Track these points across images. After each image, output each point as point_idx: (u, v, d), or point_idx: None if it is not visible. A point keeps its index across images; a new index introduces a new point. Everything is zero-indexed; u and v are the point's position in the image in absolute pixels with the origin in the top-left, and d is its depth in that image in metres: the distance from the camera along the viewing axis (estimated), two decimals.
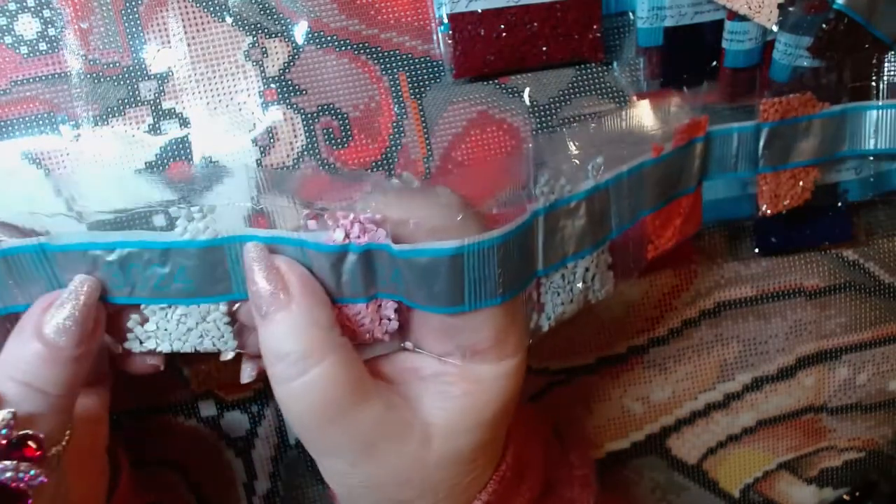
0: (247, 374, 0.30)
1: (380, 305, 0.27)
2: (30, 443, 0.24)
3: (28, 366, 0.24)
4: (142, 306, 0.27)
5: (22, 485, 0.24)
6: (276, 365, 0.25)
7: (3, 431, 0.23)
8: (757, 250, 0.40)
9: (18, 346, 0.24)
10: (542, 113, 0.37)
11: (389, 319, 0.27)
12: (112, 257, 0.26)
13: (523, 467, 0.30)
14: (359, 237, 0.25)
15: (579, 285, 0.29)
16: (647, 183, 0.31)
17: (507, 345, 0.27)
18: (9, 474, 0.24)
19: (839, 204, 0.38)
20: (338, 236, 0.25)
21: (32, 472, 0.24)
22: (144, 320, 0.27)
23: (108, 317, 0.27)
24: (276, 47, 0.35)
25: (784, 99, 0.35)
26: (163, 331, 0.27)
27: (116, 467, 0.32)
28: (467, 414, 0.26)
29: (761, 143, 0.35)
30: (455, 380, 0.27)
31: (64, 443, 0.25)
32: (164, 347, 0.27)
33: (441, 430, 0.26)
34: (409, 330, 0.28)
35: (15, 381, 0.24)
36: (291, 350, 0.24)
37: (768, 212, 0.36)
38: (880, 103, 0.37)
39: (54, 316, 0.24)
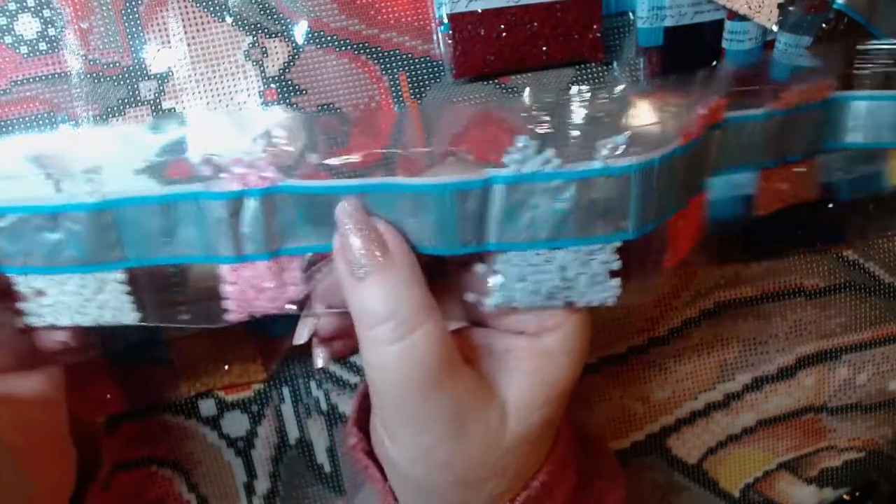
0: (320, 360, 0.29)
1: (283, 268, 0.26)
2: None
3: None
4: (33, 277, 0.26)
5: None
6: (375, 328, 0.23)
7: None
8: (749, 252, 0.40)
9: None
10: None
11: (295, 285, 0.26)
12: (2, 224, 0.25)
13: (571, 450, 0.30)
14: (257, 183, 0.24)
15: (548, 278, 0.25)
16: (676, 176, 0.27)
17: (570, 318, 0.26)
18: None
19: (830, 204, 0.39)
20: (234, 185, 0.24)
21: None
22: (41, 293, 0.26)
23: (3, 291, 0.26)
24: (276, 47, 0.35)
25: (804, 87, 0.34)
26: (61, 303, 0.26)
27: (97, 461, 0.32)
28: (539, 389, 0.26)
29: (765, 135, 0.34)
30: (525, 355, 0.26)
31: None
32: (65, 321, 0.26)
33: (515, 408, 0.25)
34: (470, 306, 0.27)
35: None
36: (393, 311, 0.23)
37: (762, 212, 0.36)
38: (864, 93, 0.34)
39: None
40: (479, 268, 0.25)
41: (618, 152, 0.24)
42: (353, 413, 0.31)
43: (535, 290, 0.25)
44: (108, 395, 0.36)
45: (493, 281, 0.25)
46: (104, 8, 0.33)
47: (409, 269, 0.24)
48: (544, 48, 0.35)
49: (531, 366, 0.26)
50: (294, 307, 0.26)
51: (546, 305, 0.25)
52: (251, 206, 0.24)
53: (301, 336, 0.28)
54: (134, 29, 0.34)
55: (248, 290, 0.26)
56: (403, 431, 0.25)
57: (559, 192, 0.24)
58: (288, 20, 0.35)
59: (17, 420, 0.26)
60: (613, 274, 0.25)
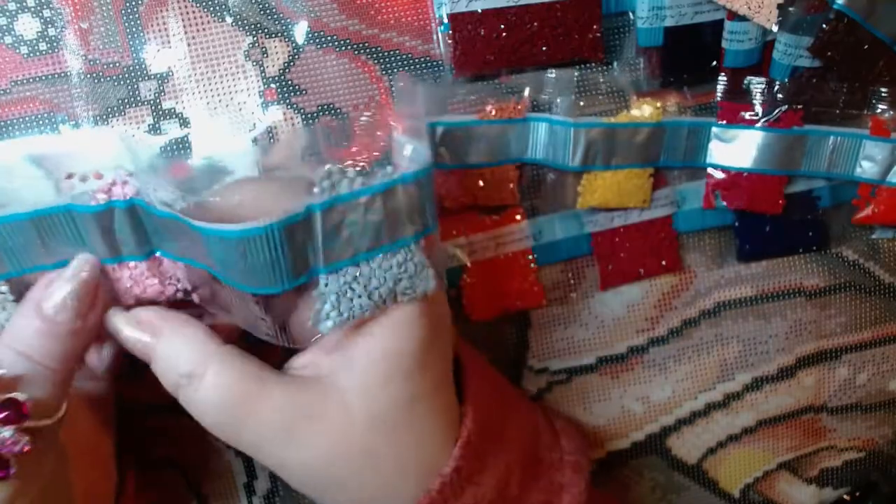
0: None
1: (161, 263, 0.28)
2: (13, 406, 0.24)
3: (27, 337, 0.25)
4: None
5: (4, 450, 0.24)
6: (176, 389, 0.27)
7: None
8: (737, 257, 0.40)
9: (21, 317, 0.26)
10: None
11: (178, 280, 0.28)
12: None
13: (495, 438, 0.30)
14: (121, 195, 0.26)
15: (376, 284, 0.26)
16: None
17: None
18: None
19: (812, 211, 0.39)
20: (101, 195, 0.26)
21: (13, 437, 0.24)
22: None
23: None
24: (276, 47, 0.35)
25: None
26: None
27: (123, 474, 0.32)
28: (374, 367, 0.26)
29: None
30: (352, 341, 0.27)
31: (58, 417, 0.26)
32: None
33: (356, 392, 0.26)
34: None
35: (13, 349, 0.25)
36: (177, 376, 0.26)
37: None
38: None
39: (54, 292, 0.26)
40: (311, 300, 0.26)
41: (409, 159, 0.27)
42: None
43: (365, 302, 0.26)
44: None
45: (322, 307, 0.26)
46: (104, 8, 0.33)
47: (178, 336, 0.27)
48: (544, 48, 0.35)
49: (359, 348, 0.27)
50: (182, 296, 0.28)
51: (379, 310, 0.26)
52: (118, 215, 0.27)
53: None
54: (134, 29, 0.34)
55: (132, 285, 0.28)
56: (259, 459, 0.27)
57: (370, 206, 0.25)
58: (288, 20, 0.35)
59: (75, 429, 0.28)
60: (426, 266, 0.27)
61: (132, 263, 0.28)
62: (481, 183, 0.37)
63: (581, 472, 0.32)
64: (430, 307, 0.27)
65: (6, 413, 0.24)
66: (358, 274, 0.26)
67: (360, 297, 0.26)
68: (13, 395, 0.24)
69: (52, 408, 0.26)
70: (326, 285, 0.26)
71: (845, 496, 0.44)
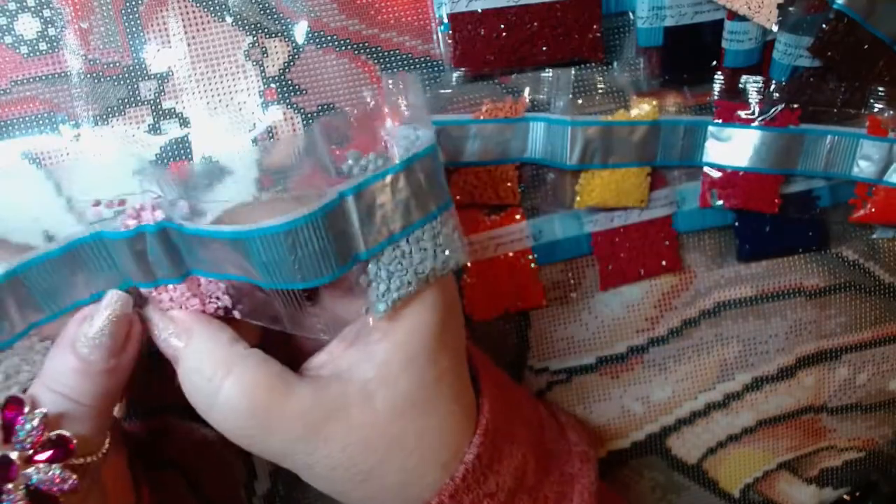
0: None
1: (199, 283, 0.27)
2: (61, 444, 0.24)
3: (63, 377, 0.25)
4: None
5: (54, 488, 0.24)
6: (197, 397, 0.26)
7: (34, 431, 0.24)
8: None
9: (56, 357, 0.26)
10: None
11: (218, 298, 0.27)
12: None
13: (508, 429, 0.30)
14: (150, 220, 0.26)
15: (416, 260, 0.27)
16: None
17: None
18: (39, 476, 0.24)
19: (812, 211, 0.39)
20: (130, 221, 0.26)
21: (62, 475, 0.24)
22: None
23: None
24: (276, 47, 0.35)
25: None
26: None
27: (138, 484, 0.32)
28: (394, 353, 0.26)
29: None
30: (371, 330, 0.27)
31: (102, 452, 0.26)
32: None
33: (377, 381, 0.26)
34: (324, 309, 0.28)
35: (51, 390, 0.25)
36: (202, 377, 0.26)
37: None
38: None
39: (86, 331, 0.26)
40: (362, 282, 0.26)
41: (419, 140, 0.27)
42: None
43: (412, 278, 0.26)
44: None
45: (374, 291, 0.26)
46: (104, 8, 0.33)
47: (200, 341, 0.26)
48: (544, 48, 0.36)
49: (377, 335, 0.27)
50: (223, 313, 0.28)
51: (419, 286, 0.27)
52: (150, 239, 0.26)
53: None
54: (134, 29, 0.34)
55: (172, 307, 0.27)
56: (284, 463, 0.27)
57: (395, 185, 0.26)
58: (288, 20, 0.35)
59: (111, 449, 0.27)
60: (454, 230, 0.28)
61: (171, 286, 0.27)
62: (480, 181, 0.37)
63: (590, 462, 0.32)
64: (444, 288, 0.28)
65: (53, 451, 0.24)
66: (400, 253, 0.26)
67: (406, 274, 0.26)
68: (60, 432, 0.25)
69: (96, 444, 0.26)
70: (376, 269, 0.26)
71: (845, 496, 0.44)
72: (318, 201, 0.24)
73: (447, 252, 0.27)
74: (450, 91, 0.36)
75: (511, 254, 0.38)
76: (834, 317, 0.41)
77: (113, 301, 0.26)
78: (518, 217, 0.38)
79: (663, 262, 0.39)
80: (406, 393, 0.27)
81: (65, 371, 0.25)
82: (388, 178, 0.26)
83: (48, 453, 0.24)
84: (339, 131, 0.31)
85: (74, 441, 0.25)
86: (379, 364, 0.26)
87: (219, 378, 0.26)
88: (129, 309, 0.26)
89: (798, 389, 0.42)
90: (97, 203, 0.27)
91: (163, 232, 0.26)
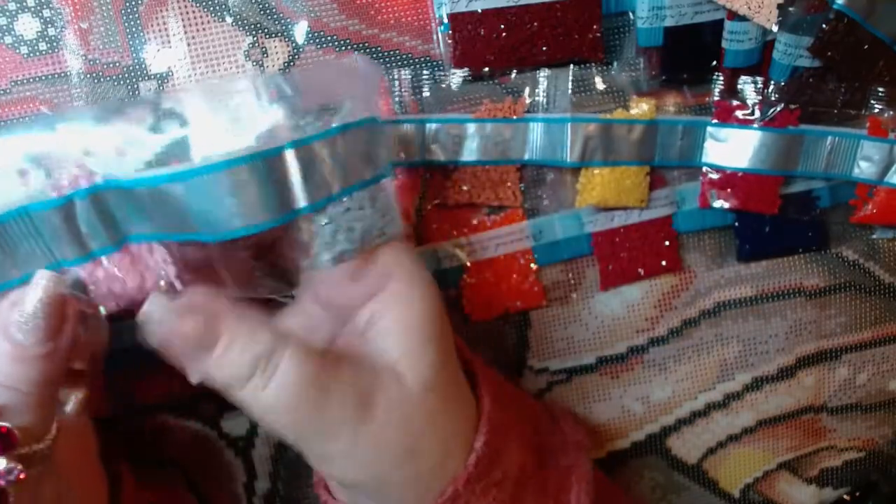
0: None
1: (137, 254, 0.26)
2: (2, 437, 0.23)
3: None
4: None
5: (0, 481, 0.23)
6: (246, 387, 0.25)
7: None
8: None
9: None
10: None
11: (162, 268, 0.26)
12: None
13: (507, 421, 0.30)
14: (79, 185, 0.25)
15: (358, 216, 0.27)
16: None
17: (393, 269, 0.27)
18: None
19: (812, 212, 0.39)
20: (63, 190, 0.25)
21: (7, 467, 0.23)
22: None
23: None
24: (276, 47, 0.35)
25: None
26: None
27: (117, 477, 0.32)
28: (410, 335, 0.27)
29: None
30: (379, 319, 0.27)
31: (49, 439, 0.25)
32: None
33: (403, 364, 0.27)
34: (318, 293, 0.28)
35: None
36: (251, 364, 0.25)
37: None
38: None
39: (17, 314, 0.24)
40: (304, 235, 0.27)
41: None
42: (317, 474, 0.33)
43: (350, 236, 0.27)
44: (101, 398, 0.36)
45: (318, 241, 0.26)
46: (104, 8, 0.33)
47: (241, 321, 0.25)
48: (544, 48, 0.36)
49: (389, 322, 0.27)
50: (164, 284, 0.27)
51: (365, 246, 0.27)
52: (80, 206, 0.25)
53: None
54: (134, 29, 0.34)
55: (111, 284, 0.26)
56: (319, 447, 0.26)
57: (334, 146, 0.26)
58: (288, 20, 0.35)
59: (64, 438, 0.26)
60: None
61: (105, 261, 0.26)
62: (479, 182, 0.37)
63: (585, 451, 0.33)
64: (429, 283, 0.28)
65: None
66: (341, 210, 0.26)
67: (348, 231, 0.27)
68: (0, 423, 0.23)
69: (42, 431, 0.25)
70: (320, 222, 0.26)
71: (845, 496, 0.44)
72: (258, 148, 0.25)
73: (385, 217, 0.28)
74: (449, 91, 0.36)
75: (511, 254, 0.38)
76: (834, 317, 0.41)
77: (43, 280, 0.24)
78: (518, 217, 0.38)
79: (663, 262, 0.39)
80: (430, 371, 0.27)
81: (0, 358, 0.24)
82: (328, 139, 0.26)
83: None
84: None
85: (16, 432, 0.23)
86: (397, 346, 0.27)
87: (271, 364, 0.25)
88: (61, 288, 0.25)
89: (798, 389, 0.42)
90: (24, 172, 0.26)
91: (95, 196, 0.25)
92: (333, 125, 0.27)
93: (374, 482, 0.27)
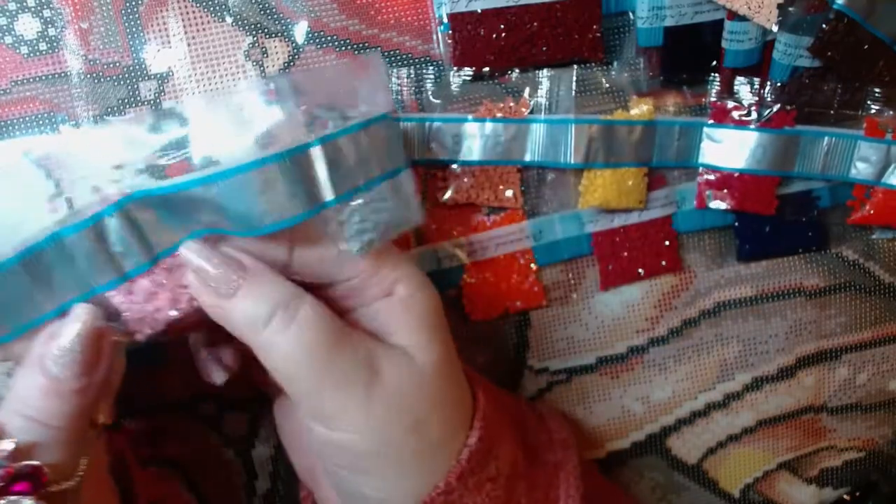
0: (217, 375, 0.31)
1: (170, 272, 0.26)
2: (33, 476, 0.23)
3: (31, 400, 0.24)
4: None
5: None
6: (265, 329, 0.25)
7: (3, 463, 0.23)
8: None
9: (24, 378, 0.24)
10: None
11: (187, 286, 0.26)
12: None
13: (500, 419, 0.31)
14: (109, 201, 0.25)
15: (383, 207, 0.28)
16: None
17: (402, 265, 0.28)
18: None
19: (812, 212, 0.39)
20: (86, 211, 0.25)
21: None
22: None
23: None
24: (276, 47, 0.35)
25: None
26: None
27: (128, 483, 0.32)
28: (420, 325, 0.28)
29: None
30: (389, 310, 0.28)
31: (79, 475, 0.25)
32: None
33: (413, 346, 0.27)
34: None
35: (20, 414, 0.24)
36: (273, 305, 0.25)
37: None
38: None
39: (54, 347, 0.24)
40: (333, 227, 0.27)
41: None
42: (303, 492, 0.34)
43: (376, 226, 0.28)
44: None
45: (348, 230, 0.27)
46: (104, 8, 0.33)
47: (265, 270, 0.26)
48: (544, 48, 0.36)
49: (400, 314, 0.28)
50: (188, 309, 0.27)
51: (390, 235, 0.28)
52: (111, 224, 0.25)
53: (219, 377, 0.31)
54: (134, 29, 0.34)
55: (145, 306, 0.26)
56: (333, 402, 0.26)
57: (358, 141, 0.27)
58: (288, 20, 0.35)
59: (89, 469, 0.26)
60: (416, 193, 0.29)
61: (140, 282, 0.26)
62: (478, 182, 0.37)
63: (570, 448, 0.33)
64: (431, 285, 0.29)
65: (24, 483, 0.23)
66: (366, 201, 0.27)
67: (372, 221, 0.28)
68: (31, 462, 0.23)
69: (71, 468, 0.25)
70: (347, 213, 0.27)
71: (845, 496, 0.44)
72: (285, 147, 0.25)
73: (407, 207, 0.29)
74: (449, 91, 0.36)
75: (511, 254, 0.38)
76: (834, 317, 0.41)
77: (81, 314, 0.25)
78: (518, 217, 0.38)
79: (663, 262, 0.39)
80: (440, 357, 0.28)
81: (33, 392, 0.24)
82: (353, 134, 0.27)
83: (20, 486, 0.23)
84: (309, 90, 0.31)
85: (47, 471, 0.23)
86: (409, 331, 0.27)
87: (292, 308, 0.25)
88: (98, 322, 0.25)
89: (798, 389, 0.42)
90: (53, 198, 0.26)
91: (124, 211, 0.25)
92: (356, 122, 0.28)
93: (383, 450, 0.27)
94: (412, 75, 0.36)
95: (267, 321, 0.25)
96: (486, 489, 0.28)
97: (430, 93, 0.36)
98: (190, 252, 0.26)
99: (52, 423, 0.24)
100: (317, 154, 0.26)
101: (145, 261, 0.26)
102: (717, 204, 0.38)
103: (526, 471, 0.30)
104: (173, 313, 0.26)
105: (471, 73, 0.36)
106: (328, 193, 0.26)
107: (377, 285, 0.28)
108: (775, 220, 0.39)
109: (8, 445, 0.23)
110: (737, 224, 0.39)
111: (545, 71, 0.36)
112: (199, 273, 0.25)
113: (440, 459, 0.27)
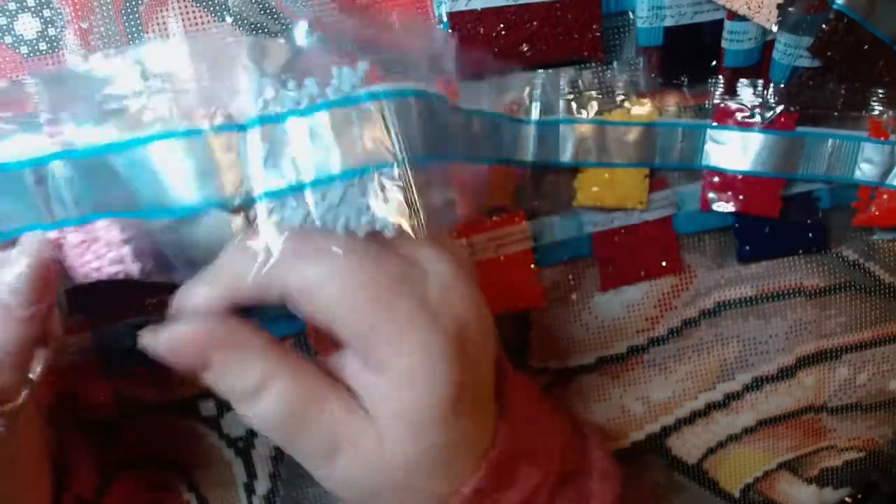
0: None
1: (98, 233, 0.26)
2: None
3: None
4: None
5: None
6: (238, 405, 0.26)
7: None
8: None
9: None
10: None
11: (118, 253, 0.26)
12: None
13: (528, 453, 0.30)
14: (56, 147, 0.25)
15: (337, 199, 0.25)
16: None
17: (382, 344, 0.25)
18: None
19: (813, 213, 0.39)
20: (52, 147, 0.25)
21: None
22: None
23: None
24: (276, 47, 0.35)
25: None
26: None
27: (69, 472, 0.32)
28: (402, 426, 0.26)
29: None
30: (381, 392, 0.26)
31: (21, 400, 0.25)
32: None
33: (388, 434, 0.26)
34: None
35: None
36: (237, 391, 0.26)
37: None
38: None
39: (4, 275, 0.24)
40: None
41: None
42: None
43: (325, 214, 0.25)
44: (102, 398, 0.36)
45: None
46: (104, 8, 0.33)
47: (224, 361, 0.26)
48: (544, 47, 0.36)
49: (388, 402, 0.26)
50: (120, 269, 0.26)
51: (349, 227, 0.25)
52: (51, 170, 0.25)
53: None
54: (134, 29, 0.34)
55: (76, 258, 0.26)
56: (300, 459, 0.27)
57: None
58: (288, 20, 0.35)
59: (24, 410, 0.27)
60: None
61: (68, 237, 0.26)
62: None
63: (609, 481, 0.32)
64: (460, 337, 0.26)
65: None
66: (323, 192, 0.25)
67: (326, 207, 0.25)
68: None
69: (12, 395, 0.25)
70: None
71: (847, 498, 0.44)
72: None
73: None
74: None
75: (511, 255, 0.38)
76: (834, 317, 0.41)
77: (33, 244, 0.25)
78: (518, 218, 0.38)
79: (663, 264, 0.39)
80: (416, 455, 0.26)
81: None
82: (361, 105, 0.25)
83: None
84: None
85: None
86: (391, 418, 0.26)
87: (256, 395, 0.26)
88: (48, 251, 0.25)
89: (798, 389, 0.42)
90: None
91: (63, 160, 0.25)
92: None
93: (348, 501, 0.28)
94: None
95: (237, 402, 0.26)
96: None
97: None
98: (148, 343, 0.26)
99: (1, 348, 0.25)
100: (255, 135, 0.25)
101: (75, 216, 0.26)
102: (722, 206, 0.38)
103: (551, 494, 0.30)
104: (97, 275, 0.26)
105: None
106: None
107: (372, 355, 0.26)
108: (775, 221, 0.39)
109: None
110: (737, 226, 0.39)
111: (540, 71, 0.36)
112: (172, 360, 0.26)
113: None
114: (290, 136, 0.25)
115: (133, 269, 0.26)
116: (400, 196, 0.25)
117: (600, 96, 0.37)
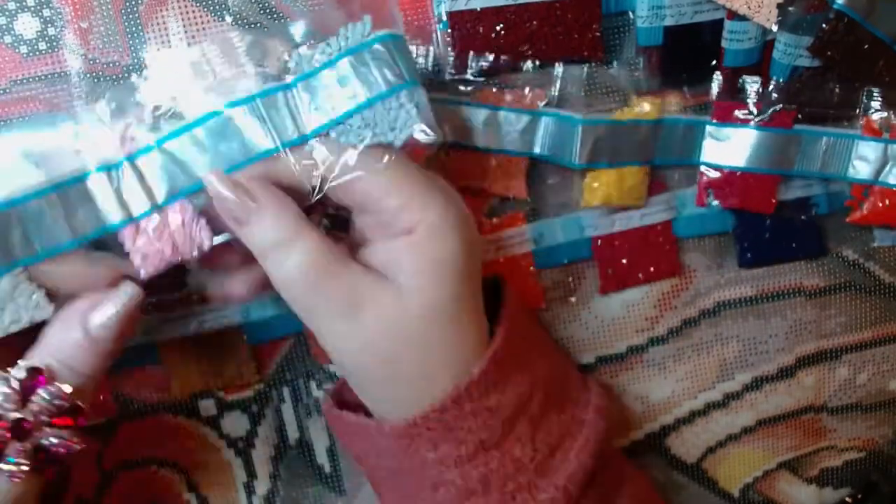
0: (241, 286, 0.33)
1: (177, 217, 0.29)
2: (75, 413, 0.28)
3: (68, 350, 0.28)
4: None
5: (63, 450, 0.27)
6: (269, 256, 0.29)
7: (54, 399, 0.27)
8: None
9: (62, 331, 0.28)
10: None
11: (200, 230, 0.30)
12: None
13: (521, 361, 0.32)
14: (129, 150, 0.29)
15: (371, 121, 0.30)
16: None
17: (414, 199, 0.29)
18: (54, 440, 0.27)
19: (811, 218, 0.39)
20: (121, 152, 0.29)
21: (74, 439, 0.28)
22: None
23: None
24: (275, 47, 0.35)
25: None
26: None
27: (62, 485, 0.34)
28: (427, 267, 0.29)
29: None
30: (406, 248, 0.30)
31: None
32: None
33: (411, 286, 0.29)
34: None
35: (60, 362, 0.28)
36: (276, 238, 0.29)
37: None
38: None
39: (101, 314, 0.28)
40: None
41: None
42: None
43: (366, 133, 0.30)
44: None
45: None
46: (104, 7, 0.33)
47: (275, 204, 0.29)
48: (543, 47, 0.36)
49: (410, 254, 0.29)
50: (197, 252, 0.30)
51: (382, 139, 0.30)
52: (126, 172, 0.29)
53: (239, 287, 0.33)
54: (134, 28, 0.34)
55: (148, 247, 0.29)
56: (320, 326, 0.30)
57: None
58: (288, 20, 0.35)
59: None
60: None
61: (142, 228, 0.29)
62: (490, 169, 0.37)
63: (603, 417, 0.34)
64: (463, 224, 0.30)
65: (66, 418, 0.28)
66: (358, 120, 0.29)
67: (364, 129, 0.29)
68: (77, 402, 0.28)
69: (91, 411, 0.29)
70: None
71: (847, 499, 0.44)
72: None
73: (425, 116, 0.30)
74: (455, 88, 0.36)
75: (511, 257, 0.38)
76: (834, 317, 0.41)
77: (130, 291, 0.29)
78: (519, 220, 0.38)
79: (663, 267, 0.39)
80: (433, 302, 0.29)
81: (71, 345, 0.28)
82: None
83: (64, 419, 0.27)
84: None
85: (85, 409, 0.28)
86: (413, 272, 0.29)
87: (293, 242, 0.28)
88: (139, 300, 0.29)
89: (798, 389, 0.42)
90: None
91: (132, 161, 0.29)
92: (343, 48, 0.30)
93: (360, 373, 0.31)
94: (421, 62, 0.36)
95: (269, 251, 0.29)
96: (482, 417, 0.30)
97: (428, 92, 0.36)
98: (210, 182, 0.29)
99: (86, 372, 0.28)
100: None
101: (149, 207, 0.29)
102: (718, 202, 0.38)
103: (540, 414, 0.32)
104: (173, 257, 0.29)
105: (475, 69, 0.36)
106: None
107: (404, 222, 0.29)
108: (775, 226, 0.39)
109: (66, 388, 0.27)
110: (737, 230, 0.39)
111: (558, 67, 0.36)
112: (217, 200, 0.29)
113: (419, 389, 0.30)
114: (324, 83, 0.30)
115: (208, 237, 0.30)
116: (415, 111, 0.29)
117: (607, 95, 0.37)
